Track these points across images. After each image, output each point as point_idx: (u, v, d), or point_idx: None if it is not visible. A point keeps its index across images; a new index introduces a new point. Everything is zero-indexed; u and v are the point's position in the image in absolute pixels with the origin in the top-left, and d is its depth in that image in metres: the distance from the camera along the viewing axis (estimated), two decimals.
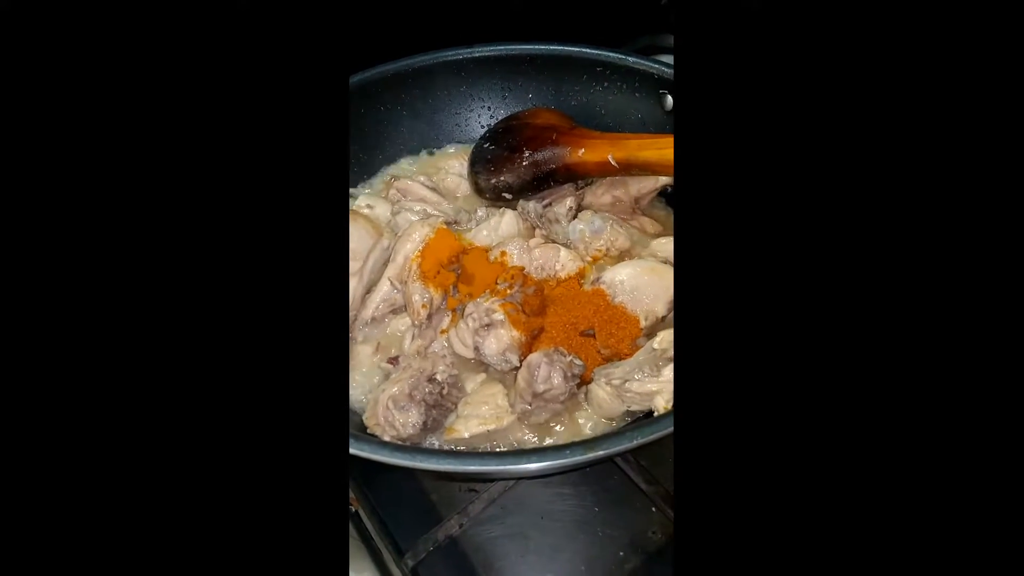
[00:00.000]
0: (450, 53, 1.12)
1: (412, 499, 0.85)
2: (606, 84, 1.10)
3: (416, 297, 0.88)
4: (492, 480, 0.81)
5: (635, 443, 0.60)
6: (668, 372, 0.74)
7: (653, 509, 0.79)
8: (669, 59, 1.10)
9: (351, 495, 0.85)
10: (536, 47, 1.12)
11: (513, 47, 1.12)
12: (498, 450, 0.78)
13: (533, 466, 0.60)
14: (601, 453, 0.59)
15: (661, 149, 0.88)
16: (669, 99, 1.05)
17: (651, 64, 1.05)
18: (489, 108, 1.18)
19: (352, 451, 0.62)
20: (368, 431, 0.77)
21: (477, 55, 1.12)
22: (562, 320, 0.85)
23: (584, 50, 1.10)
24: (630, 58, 1.07)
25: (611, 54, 1.08)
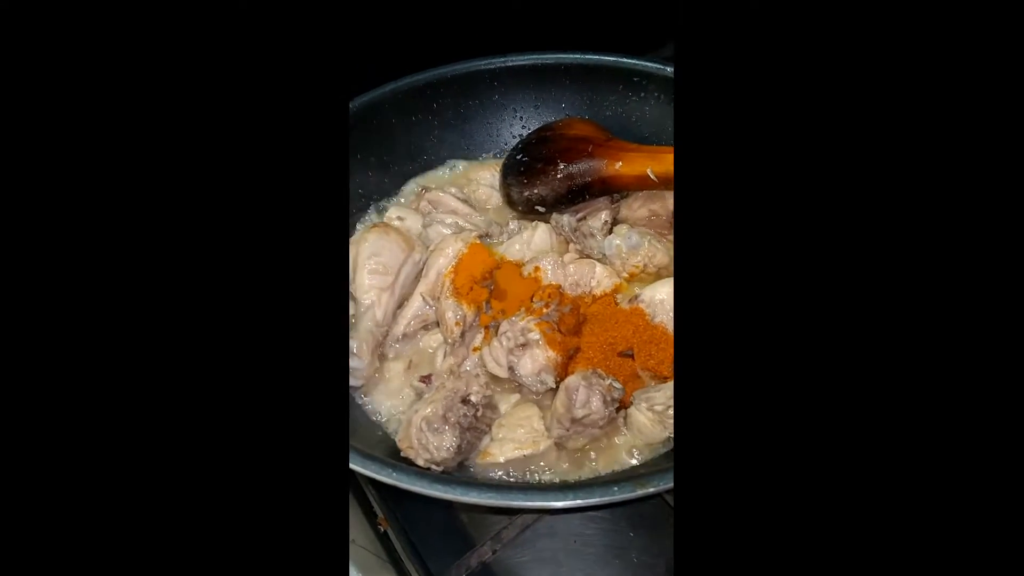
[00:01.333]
0: (482, 62, 1.10)
1: (442, 521, 0.83)
2: (643, 94, 1.08)
3: (449, 314, 0.86)
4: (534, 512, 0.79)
5: None
6: None
7: None
8: None
9: (379, 515, 0.84)
10: (570, 56, 1.09)
11: (547, 56, 1.10)
12: (542, 481, 0.76)
13: (579, 503, 0.58)
14: (652, 490, 0.57)
15: None
16: None
17: None
18: (521, 118, 1.16)
19: (390, 481, 0.60)
20: (401, 454, 0.75)
21: (510, 64, 1.10)
22: (599, 340, 0.83)
23: (620, 59, 1.07)
24: (668, 67, 1.04)
25: (649, 63, 1.05)
